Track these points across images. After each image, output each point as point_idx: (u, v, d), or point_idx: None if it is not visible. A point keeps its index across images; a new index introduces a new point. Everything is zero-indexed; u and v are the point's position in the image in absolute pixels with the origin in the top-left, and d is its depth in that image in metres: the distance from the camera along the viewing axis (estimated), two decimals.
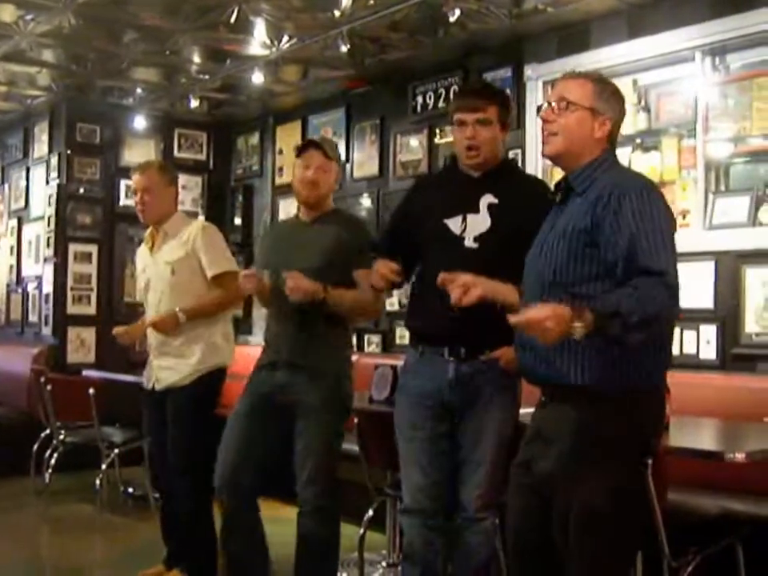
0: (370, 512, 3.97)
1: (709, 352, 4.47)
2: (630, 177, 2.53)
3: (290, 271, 3.43)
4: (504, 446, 3.04)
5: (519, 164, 5.40)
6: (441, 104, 5.86)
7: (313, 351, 3.55)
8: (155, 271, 4.16)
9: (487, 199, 3.11)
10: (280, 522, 4.00)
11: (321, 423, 3.53)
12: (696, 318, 4.45)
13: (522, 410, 3.13)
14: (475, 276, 2.59)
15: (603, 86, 2.55)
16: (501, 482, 2.98)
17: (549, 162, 5.16)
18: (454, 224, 3.12)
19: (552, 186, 2.73)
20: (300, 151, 3.65)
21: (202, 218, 4.09)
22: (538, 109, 2.62)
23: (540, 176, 5.26)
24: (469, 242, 3.09)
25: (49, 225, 7.42)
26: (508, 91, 5.51)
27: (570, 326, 2.15)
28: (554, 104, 2.52)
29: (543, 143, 2.59)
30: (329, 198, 3.69)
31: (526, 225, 2.87)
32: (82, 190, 7.38)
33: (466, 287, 2.54)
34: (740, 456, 2.82)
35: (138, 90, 6.98)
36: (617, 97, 2.57)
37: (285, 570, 3.80)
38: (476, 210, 3.11)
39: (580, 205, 2.44)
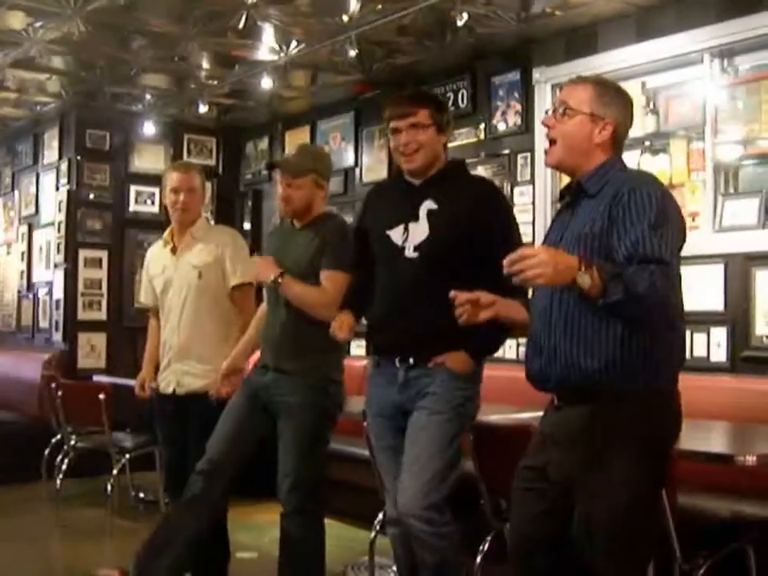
0: (380, 516, 3.97)
1: (719, 355, 4.46)
2: (642, 175, 2.57)
3: None
4: (451, 446, 3.01)
5: (520, 165, 5.40)
6: (450, 108, 5.84)
7: (299, 356, 3.59)
8: (179, 274, 4.10)
9: (427, 206, 3.08)
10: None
11: (300, 424, 3.56)
12: (706, 320, 4.44)
13: (527, 415, 3.11)
14: (487, 294, 2.62)
15: (604, 90, 2.54)
16: (445, 487, 2.98)
17: None
18: (396, 235, 3.12)
19: (559, 191, 2.73)
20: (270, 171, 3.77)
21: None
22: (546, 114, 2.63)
23: (549, 179, 5.28)
24: (409, 252, 3.07)
25: (59, 231, 7.46)
26: (517, 95, 5.54)
27: (576, 273, 2.19)
28: (557, 110, 2.54)
29: (545, 153, 2.61)
30: (311, 208, 3.68)
31: (469, 228, 2.95)
32: (91, 196, 7.41)
33: (471, 303, 2.56)
34: (751, 459, 2.82)
35: (148, 96, 7.00)
36: (621, 99, 2.57)
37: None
38: (416, 219, 3.08)
39: (594, 207, 2.43)
